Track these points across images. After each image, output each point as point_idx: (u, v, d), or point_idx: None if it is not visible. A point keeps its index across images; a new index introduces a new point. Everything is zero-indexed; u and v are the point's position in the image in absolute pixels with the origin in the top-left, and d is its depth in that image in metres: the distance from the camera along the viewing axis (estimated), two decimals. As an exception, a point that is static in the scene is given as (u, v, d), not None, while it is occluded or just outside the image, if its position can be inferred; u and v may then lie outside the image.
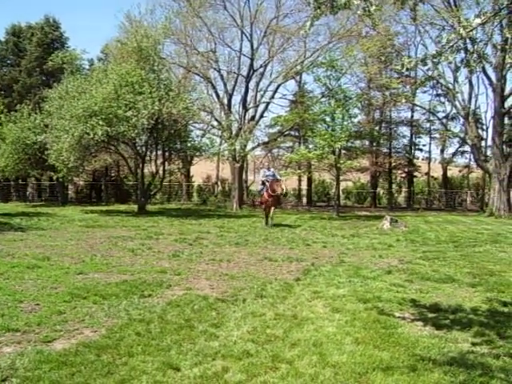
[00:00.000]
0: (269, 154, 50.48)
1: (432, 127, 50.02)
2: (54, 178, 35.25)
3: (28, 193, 47.99)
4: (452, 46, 5.58)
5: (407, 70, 6.18)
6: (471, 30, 5.40)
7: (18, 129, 34.94)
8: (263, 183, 22.71)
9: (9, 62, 46.59)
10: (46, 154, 31.45)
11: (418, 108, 46.45)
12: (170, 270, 11.11)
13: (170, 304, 7.98)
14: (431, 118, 47.75)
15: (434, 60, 5.86)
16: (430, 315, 7.60)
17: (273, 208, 22.37)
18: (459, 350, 6.06)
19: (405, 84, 41.00)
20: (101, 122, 26.36)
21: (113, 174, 49.20)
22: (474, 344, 6.29)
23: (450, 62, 5.90)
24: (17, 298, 8.23)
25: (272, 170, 24.23)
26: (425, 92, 47.88)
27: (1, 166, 35.03)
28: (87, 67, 41.19)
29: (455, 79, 37.25)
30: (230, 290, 9.22)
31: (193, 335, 6.42)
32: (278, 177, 23.10)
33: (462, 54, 6.32)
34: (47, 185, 45.49)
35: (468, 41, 6.04)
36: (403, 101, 40.26)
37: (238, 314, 7.44)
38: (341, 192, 43.40)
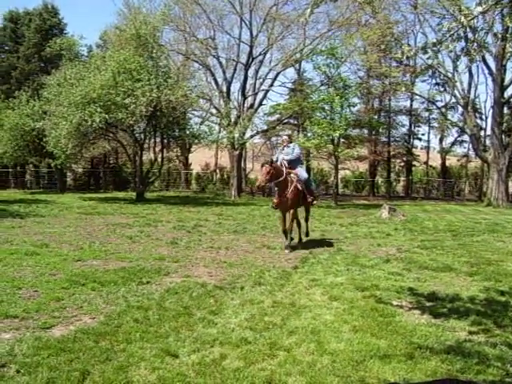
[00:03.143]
0: (267, 142, 50.40)
1: (431, 116, 50.03)
2: (53, 165, 35.15)
3: (26, 180, 47.88)
4: (453, 35, 5.55)
5: (407, 58, 6.17)
6: (472, 19, 5.37)
7: (17, 115, 34.91)
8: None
9: (7, 48, 46.36)
10: (44, 140, 31.43)
11: (417, 97, 46.43)
12: (169, 258, 11.14)
13: (168, 291, 7.99)
14: (430, 108, 47.67)
15: (435, 48, 5.85)
16: (428, 304, 7.61)
17: (290, 212, 13.08)
18: (456, 338, 6.08)
19: (404, 73, 40.89)
20: (99, 109, 26.32)
21: (111, 162, 49.12)
22: (471, 333, 6.31)
23: (451, 51, 5.85)
24: (15, 284, 8.24)
25: (293, 144, 13.93)
26: (424, 81, 47.87)
27: (-1, 152, 35.00)
28: (85, 54, 41.04)
29: (455, 68, 37.12)
30: (228, 277, 9.25)
31: (191, 322, 6.44)
32: (287, 157, 13.26)
33: (463, 43, 6.30)
34: (45, 172, 45.35)
35: (468, 29, 6.01)
36: (403, 89, 40.19)
37: (236, 302, 7.47)
38: (339, 181, 43.38)
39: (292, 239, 13.27)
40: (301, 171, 13.43)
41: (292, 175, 12.96)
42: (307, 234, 14.32)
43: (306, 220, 14.35)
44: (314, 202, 13.99)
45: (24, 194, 35.54)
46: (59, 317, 6.67)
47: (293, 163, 13.20)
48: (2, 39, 46.05)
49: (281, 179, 12.59)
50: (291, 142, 14.00)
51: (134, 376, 4.88)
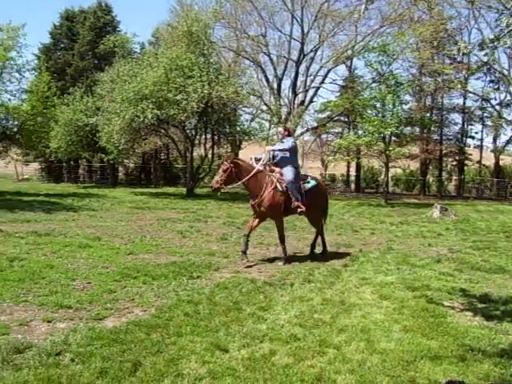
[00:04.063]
0: (318, 140, 50.21)
1: (484, 114, 48.86)
2: (105, 159, 35.96)
3: (79, 174, 48.89)
4: (511, 31, 5.43)
5: (463, 54, 6.06)
6: (532, 14, 5.25)
7: (71, 111, 35.78)
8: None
9: (62, 45, 47.41)
10: (97, 136, 32.16)
11: (470, 94, 45.46)
12: (219, 253, 11.25)
13: (218, 286, 8.08)
14: (484, 105, 46.62)
15: (491, 45, 5.73)
16: (480, 306, 7.49)
17: (253, 224, 11.22)
18: (510, 341, 5.98)
19: (458, 70, 40.13)
20: (151, 106, 26.70)
21: (162, 157, 49.68)
22: (525, 336, 6.18)
23: (509, 47, 5.75)
24: (69, 276, 8.46)
25: (287, 139, 11.27)
26: (478, 78, 46.78)
27: (54, 147, 35.84)
28: (138, 51, 41.60)
29: (511, 65, 36.28)
30: (277, 273, 9.29)
31: (241, 317, 6.49)
32: (272, 147, 11.69)
33: (521, 39, 6.15)
34: (98, 166, 46.24)
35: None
36: (458, 87, 39.39)
37: (286, 298, 7.48)
38: (389, 179, 42.89)
39: (246, 250, 10.59)
40: (287, 171, 10.87)
41: (275, 174, 10.92)
42: (323, 251, 11.84)
43: (320, 234, 12.05)
44: (300, 209, 10.88)
45: (77, 188, 36.29)
46: (111, 308, 6.82)
47: (282, 160, 11.02)
48: (59, 37, 47.09)
49: (246, 179, 10.58)
50: (289, 136, 11.57)
51: (185, 369, 4.94)
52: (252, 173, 10.55)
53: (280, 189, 10.69)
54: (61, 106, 34.71)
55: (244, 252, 10.51)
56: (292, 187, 10.78)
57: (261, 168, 10.80)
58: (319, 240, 11.91)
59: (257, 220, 11.06)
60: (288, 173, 10.83)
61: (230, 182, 10.73)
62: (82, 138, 37.36)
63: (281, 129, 12.33)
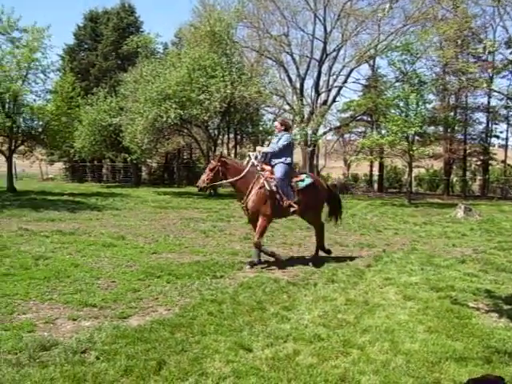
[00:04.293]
0: (340, 139, 50.04)
1: (510, 113, 48.22)
2: (128, 159, 36.13)
3: (103, 174, 49.24)
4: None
5: (489, 52, 6.00)
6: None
7: (95, 111, 36.02)
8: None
9: (86, 46, 47.82)
10: (120, 136, 32.36)
11: (495, 93, 44.86)
12: (242, 252, 11.28)
13: (241, 285, 8.10)
14: (509, 104, 46.01)
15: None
16: (506, 307, 7.40)
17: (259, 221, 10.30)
18: (537, 343, 5.89)
19: (482, 69, 39.68)
20: (174, 105, 26.82)
21: (185, 157, 49.86)
22: (553, 339, 6.09)
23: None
24: (93, 274, 8.55)
25: (282, 134, 10.48)
26: (503, 77, 46.14)
27: (78, 147, 36.20)
28: (161, 51, 41.80)
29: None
30: (301, 273, 9.28)
31: (264, 317, 6.49)
32: (264, 149, 10.76)
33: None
34: (121, 166, 46.54)
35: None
36: (484, 85, 38.90)
37: (309, 298, 7.47)
38: (413, 179, 42.59)
39: (259, 261, 10.20)
40: (276, 167, 10.16)
41: (265, 172, 10.20)
42: (314, 260, 10.63)
43: (317, 236, 11.34)
44: (292, 208, 10.20)
45: (101, 188, 36.56)
46: (136, 307, 6.88)
47: (272, 156, 10.29)
48: (83, 38, 47.51)
49: (235, 179, 10.09)
50: (286, 130, 10.60)
51: (209, 368, 4.96)
52: (241, 174, 10.03)
53: (268, 188, 9.96)
54: (85, 106, 34.99)
55: (255, 264, 9.94)
56: (282, 185, 10.08)
57: (255, 166, 10.27)
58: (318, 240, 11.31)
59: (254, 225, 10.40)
60: (278, 169, 10.14)
61: (217, 180, 10.28)
62: (105, 137, 37.66)
63: (277, 123, 11.14)
